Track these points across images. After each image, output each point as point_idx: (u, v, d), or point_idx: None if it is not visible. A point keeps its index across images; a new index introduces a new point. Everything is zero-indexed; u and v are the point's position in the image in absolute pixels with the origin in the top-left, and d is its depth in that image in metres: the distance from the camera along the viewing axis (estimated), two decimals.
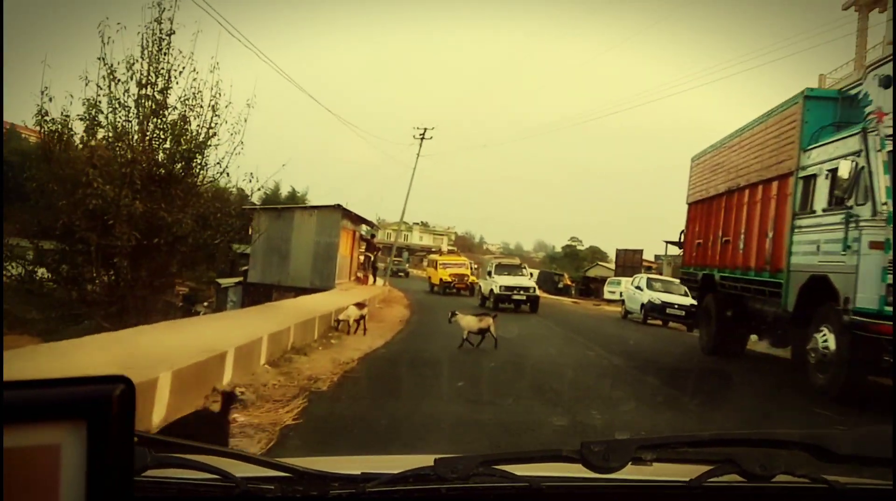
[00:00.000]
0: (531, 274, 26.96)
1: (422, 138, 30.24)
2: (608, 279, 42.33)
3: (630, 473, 1.10)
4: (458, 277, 30.94)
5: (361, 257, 27.69)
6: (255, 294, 21.80)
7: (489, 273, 23.61)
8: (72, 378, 0.58)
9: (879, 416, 7.12)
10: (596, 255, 73.80)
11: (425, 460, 1.11)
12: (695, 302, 21.13)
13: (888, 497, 1.21)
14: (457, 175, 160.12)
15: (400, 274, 45.54)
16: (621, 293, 31.56)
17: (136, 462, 0.86)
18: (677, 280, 23.25)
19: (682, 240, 15.85)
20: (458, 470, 1.06)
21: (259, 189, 13.88)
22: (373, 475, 1.12)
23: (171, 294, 34.56)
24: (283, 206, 24.58)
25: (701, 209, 14.62)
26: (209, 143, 12.35)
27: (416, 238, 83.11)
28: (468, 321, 11.30)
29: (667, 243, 43.86)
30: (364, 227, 28.42)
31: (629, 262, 43.82)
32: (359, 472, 1.14)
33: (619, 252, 47.58)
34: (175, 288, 35.06)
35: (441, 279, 31.14)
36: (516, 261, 26.55)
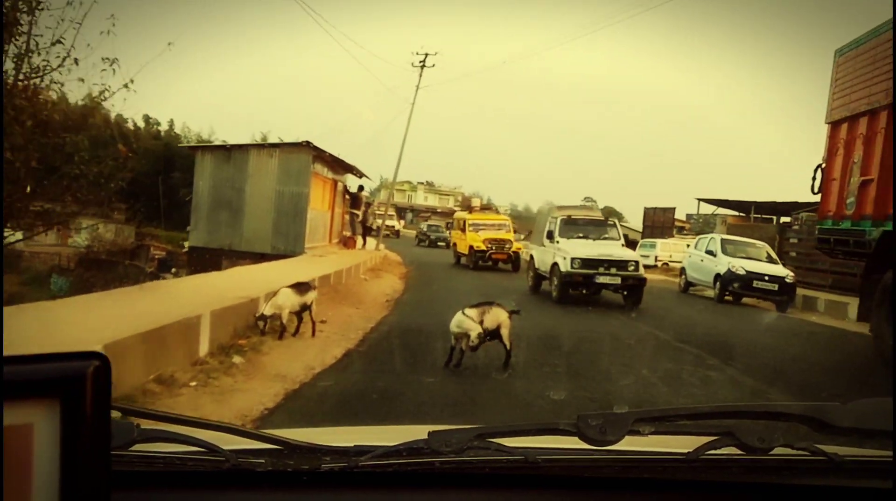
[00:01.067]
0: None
1: (422, 66, 24.43)
2: (640, 242, 37.09)
3: (627, 446, 1.07)
4: (496, 243, 20.56)
5: (349, 215, 21.85)
6: (199, 262, 16.42)
7: (549, 235, 13.83)
8: (44, 355, 0.56)
9: None
10: (612, 215, 68.83)
11: (419, 432, 1.09)
12: (790, 272, 15.97)
13: (888, 469, 1.14)
14: (463, 131, 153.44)
15: (439, 243, 35.13)
16: (656, 257, 27.79)
17: (122, 437, 0.95)
18: (758, 242, 17.82)
19: (816, 182, 10.22)
20: (452, 444, 1.04)
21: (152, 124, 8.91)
22: (365, 447, 1.09)
23: (143, 258, 30.03)
24: (234, 144, 18.07)
25: (864, 127, 9.01)
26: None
27: (421, 198, 79.01)
28: (462, 321, 6.07)
29: (700, 200, 39.04)
30: (349, 177, 22.71)
31: (659, 222, 38.97)
32: (351, 444, 1.11)
33: (647, 211, 42.46)
34: (150, 251, 30.38)
35: (472, 247, 20.71)
36: (598, 214, 15.75)
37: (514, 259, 20.91)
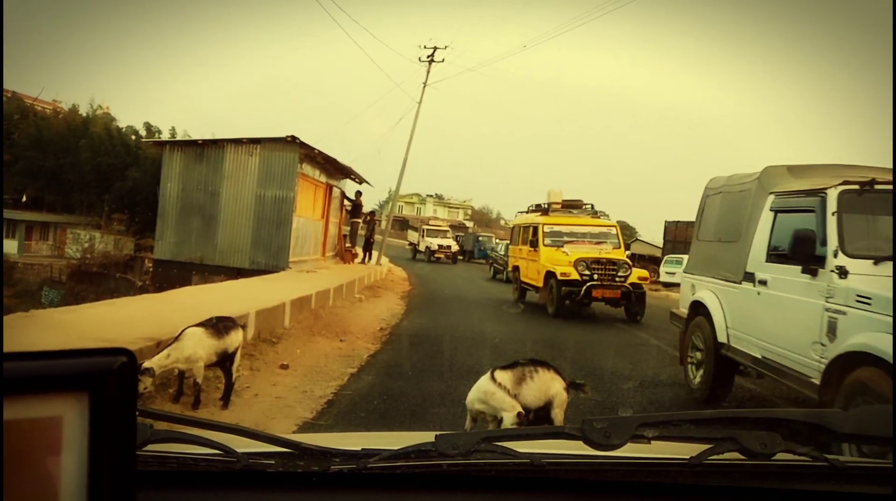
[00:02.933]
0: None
1: (430, 60, 21.95)
2: (665, 258, 34.92)
3: (631, 451, 1.08)
4: (598, 267, 12.21)
5: (350, 225, 19.03)
6: (165, 278, 13.91)
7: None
8: (72, 350, 0.58)
9: None
10: (625, 230, 67.18)
11: (426, 436, 1.11)
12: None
13: (888, 475, 1.19)
14: (473, 136, 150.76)
15: (497, 269, 22.84)
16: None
17: (137, 437, 0.84)
18: None
19: None
20: (459, 446, 1.05)
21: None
22: (373, 450, 1.11)
23: (137, 271, 27.95)
24: (207, 139, 15.14)
25: None
26: None
27: (430, 211, 76.48)
28: (491, 392, 3.59)
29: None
30: (347, 182, 20.08)
31: (681, 237, 36.95)
32: (359, 448, 1.14)
33: (668, 225, 40.40)
34: (144, 264, 28.32)
35: (552, 276, 12.46)
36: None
37: (636, 300, 11.96)
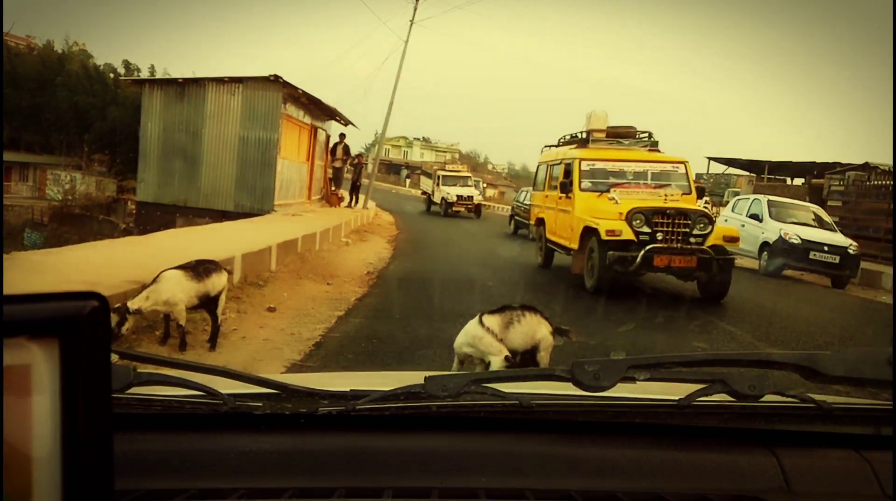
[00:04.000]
0: None
1: None
2: None
3: (621, 391, 1.08)
4: (670, 221, 8.23)
5: (332, 169, 18.66)
6: (149, 221, 13.76)
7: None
8: (40, 294, 0.55)
9: None
10: None
11: (414, 377, 1.08)
12: (852, 242, 13.44)
13: (873, 416, 1.20)
14: (460, 78, 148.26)
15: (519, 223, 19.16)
16: None
17: (119, 380, 0.96)
18: (809, 204, 15.34)
19: None
20: (448, 388, 1.04)
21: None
22: (362, 392, 1.10)
23: (121, 213, 27.64)
24: (187, 78, 14.65)
25: None
26: None
27: (418, 155, 75.77)
28: (478, 336, 3.61)
29: (710, 159, 36.45)
30: (332, 124, 19.71)
31: None
32: (348, 389, 1.12)
33: None
34: (127, 205, 27.95)
35: (591, 231, 8.66)
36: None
37: (719, 271, 8.36)
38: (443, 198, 25.55)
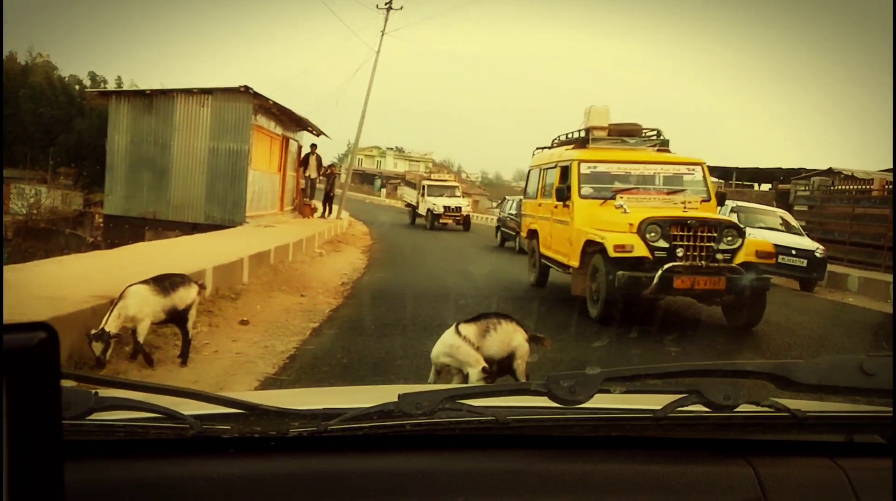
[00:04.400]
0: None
1: (388, 7, 21.24)
2: None
3: (598, 402, 1.06)
4: (692, 234, 6.92)
5: (305, 180, 18.39)
6: (117, 235, 13.48)
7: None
8: None
9: None
10: None
11: (389, 393, 1.05)
12: (819, 246, 13.72)
13: (848, 424, 1.21)
14: (432, 88, 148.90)
15: (507, 234, 18.03)
16: None
17: (79, 405, 0.92)
18: (776, 209, 15.64)
19: None
20: (422, 406, 1.01)
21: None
22: (334, 410, 1.06)
23: (88, 227, 27.05)
24: (155, 89, 14.40)
25: None
26: None
27: (391, 164, 75.84)
28: (455, 345, 3.61)
29: None
30: (304, 135, 19.54)
31: None
32: (319, 407, 1.08)
33: None
34: (95, 219, 27.39)
35: (595, 246, 7.45)
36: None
37: (752, 296, 7.23)
38: (428, 209, 23.89)
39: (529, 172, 10.89)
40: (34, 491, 0.54)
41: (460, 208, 23.87)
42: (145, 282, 4.39)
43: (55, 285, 5.21)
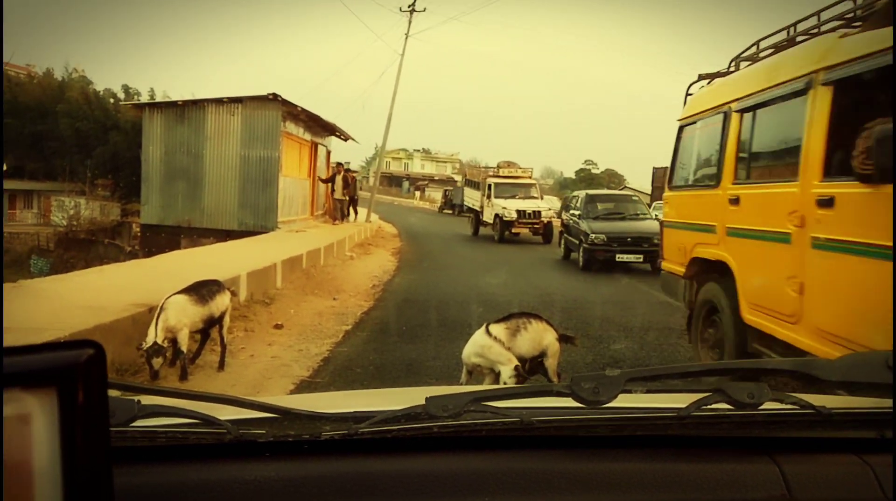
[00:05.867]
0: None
1: (412, 10, 21.38)
2: (653, 205, 34.62)
3: (622, 402, 1.07)
4: None
5: (331, 187, 17.93)
6: (154, 243, 13.82)
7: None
8: (39, 345, 0.58)
9: None
10: (613, 178, 67.35)
11: (416, 395, 1.10)
12: None
13: (872, 420, 1.19)
14: (458, 88, 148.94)
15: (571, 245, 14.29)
16: None
17: (123, 414, 0.99)
18: None
19: None
20: (449, 408, 1.05)
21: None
22: (364, 414, 1.10)
23: (126, 237, 27.74)
24: (187, 100, 14.68)
25: None
26: None
27: (418, 166, 75.91)
28: (487, 345, 3.59)
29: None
30: (332, 140, 19.77)
31: None
32: (349, 410, 1.14)
33: (656, 171, 39.21)
34: (132, 229, 28.07)
35: None
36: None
37: None
38: (497, 216, 18.55)
39: (683, 131, 5.79)
40: (87, 497, 0.57)
41: (539, 212, 18.27)
42: (183, 291, 4.49)
43: (96, 295, 5.38)
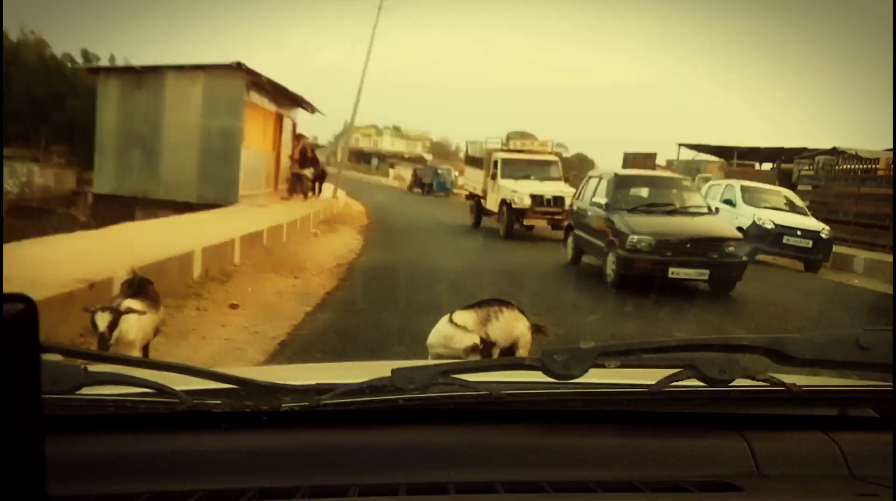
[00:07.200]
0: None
1: None
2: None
3: (592, 378, 1.05)
4: None
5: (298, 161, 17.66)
6: (107, 214, 13.20)
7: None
8: None
9: None
10: (584, 163, 67.60)
11: (382, 369, 1.03)
12: (825, 226, 13.47)
13: (842, 398, 1.23)
14: (429, 67, 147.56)
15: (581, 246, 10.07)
16: None
17: (68, 380, 0.91)
18: (781, 188, 15.39)
19: None
20: (416, 381, 1.00)
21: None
22: (326, 386, 1.05)
23: (81, 206, 26.74)
24: (145, 66, 13.94)
25: None
26: None
27: (388, 143, 75.19)
28: (450, 334, 3.43)
29: (681, 145, 36.50)
30: (299, 112, 19.14)
31: (640, 167, 36.91)
32: (312, 382, 1.07)
33: (627, 157, 39.83)
34: (89, 198, 27.01)
35: None
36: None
37: None
38: (504, 202, 14.31)
39: None
40: (14, 464, 0.52)
41: (563, 198, 13.70)
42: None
43: (31, 269, 4.96)
